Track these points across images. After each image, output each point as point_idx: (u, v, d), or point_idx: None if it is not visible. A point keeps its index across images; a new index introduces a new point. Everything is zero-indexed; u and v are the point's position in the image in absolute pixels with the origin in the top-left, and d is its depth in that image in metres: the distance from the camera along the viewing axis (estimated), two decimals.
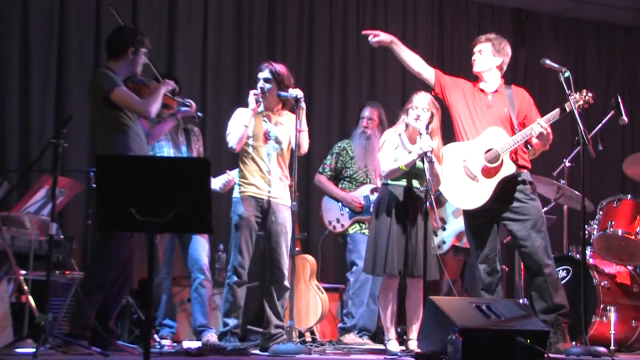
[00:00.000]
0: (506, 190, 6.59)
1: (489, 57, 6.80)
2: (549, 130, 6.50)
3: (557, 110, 6.55)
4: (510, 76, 10.44)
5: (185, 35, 9.44)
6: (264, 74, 6.72)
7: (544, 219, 6.72)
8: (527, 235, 6.59)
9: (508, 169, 6.55)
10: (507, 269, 8.56)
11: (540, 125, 6.46)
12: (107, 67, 6.24)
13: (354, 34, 10.18)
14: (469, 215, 6.81)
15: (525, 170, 6.69)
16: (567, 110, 6.54)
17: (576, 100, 6.50)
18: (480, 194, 6.60)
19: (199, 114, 6.90)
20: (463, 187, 6.67)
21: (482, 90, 6.81)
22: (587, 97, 6.54)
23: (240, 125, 6.60)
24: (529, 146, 6.73)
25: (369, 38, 6.85)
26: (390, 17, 10.36)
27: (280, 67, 6.78)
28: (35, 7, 8.79)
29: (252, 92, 6.69)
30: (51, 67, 8.82)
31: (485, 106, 6.74)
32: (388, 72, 10.27)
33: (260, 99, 6.67)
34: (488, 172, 6.58)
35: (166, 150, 7.05)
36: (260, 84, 6.71)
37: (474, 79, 6.90)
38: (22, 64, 8.71)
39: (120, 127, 6.09)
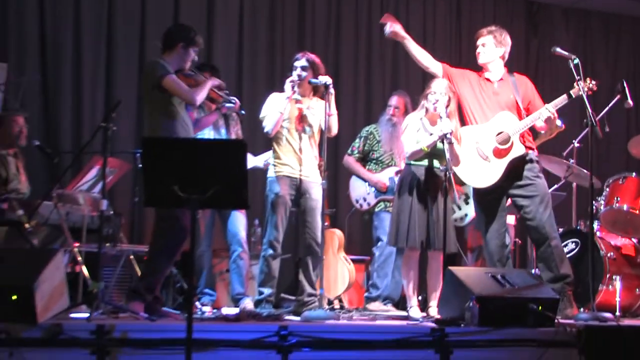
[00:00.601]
0: (515, 169, 6.61)
1: (492, 48, 6.79)
2: (556, 115, 6.49)
3: (564, 95, 6.53)
4: (523, 64, 10.47)
5: (223, 25, 9.50)
6: (301, 62, 6.74)
7: (549, 195, 6.73)
8: (535, 211, 6.59)
9: (518, 150, 6.56)
10: (520, 242, 8.55)
11: (548, 110, 6.47)
12: (161, 58, 6.22)
13: (379, 25, 10.13)
14: (479, 192, 6.82)
15: (531, 151, 6.69)
16: (573, 96, 6.52)
17: (582, 88, 6.47)
18: (491, 173, 6.62)
19: (242, 112, 6.89)
20: (476, 167, 6.68)
21: (487, 80, 6.80)
22: (590, 85, 6.52)
23: (276, 112, 6.63)
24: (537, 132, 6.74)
25: (386, 27, 6.87)
26: (412, 9, 10.35)
27: (315, 57, 6.81)
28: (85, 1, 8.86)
29: (288, 80, 6.70)
30: (100, 57, 8.90)
31: (492, 93, 6.74)
32: (410, 60, 10.21)
33: (296, 87, 6.68)
34: (499, 153, 6.60)
35: (207, 132, 7.06)
36: (298, 71, 6.72)
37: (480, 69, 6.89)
38: (74, 54, 8.80)
39: (169, 113, 6.09)
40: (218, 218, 7.23)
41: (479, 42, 6.82)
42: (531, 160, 6.65)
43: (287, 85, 6.67)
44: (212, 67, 7.20)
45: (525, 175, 6.62)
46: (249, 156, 6.94)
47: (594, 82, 6.52)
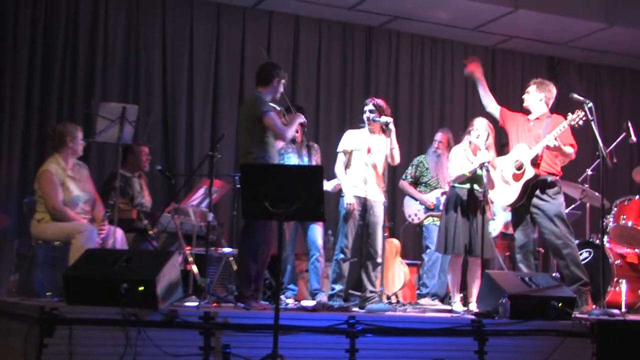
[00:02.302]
0: (534, 190, 6.59)
1: (533, 94, 6.82)
2: (556, 143, 6.42)
3: (561, 125, 6.48)
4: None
5: (304, 73, 9.56)
6: (369, 106, 6.72)
7: (562, 213, 6.65)
8: (547, 225, 6.56)
9: (529, 173, 6.54)
10: (542, 250, 8.42)
11: (549, 139, 6.44)
12: (258, 92, 6.12)
13: (429, 76, 10.15)
14: (513, 209, 6.84)
15: (552, 175, 6.62)
16: (566, 125, 6.48)
17: (573, 118, 6.44)
18: (511, 194, 6.66)
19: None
20: (501, 190, 6.71)
21: (528, 119, 6.81)
22: (581, 114, 6.43)
23: (342, 178, 6.73)
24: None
25: (466, 62, 7.06)
26: (456, 64, 10.28)
27: (380, 101, 6.80)
28: (197, 53, 9.01)
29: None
30: (208, 99, 9.03)
31: (527, 130, 6.74)
32: (453, 104, 10.23)
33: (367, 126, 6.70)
34: (516, 177, 6.62)
35: (293, 159, 7.08)
36: (367, 114, 6.69)
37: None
38: (188, 98, 8.93)
39: (265, 142, 5.99)
40: (300, 228, 7.24)
41: (526, 89, 6.89)
42: (548, 184, 6.60)
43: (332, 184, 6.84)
44: (299, 107, 7.17)
45: (540, 195, 6.60)
46: (325, 182, 6.97)
47: (582, 116, 6.43)
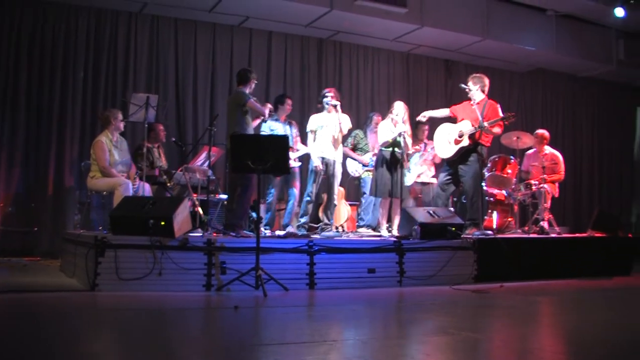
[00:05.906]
0: (466, 154, 6.50)
1: (472, 87, 6.64)
2: (487, 127, 6.33)
3: (496, 119, 6.39)
4: (443, 94, 10.36)
5: (275, 74, 9.38)
6: (328, 93, 6.68)
7: (478, 173, 6.51)
8: (466, 180, 6.51)
9: (465, 142, 6.46)
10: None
11: (484, 125, 6.31)
12: (240, 88, 6.14)
13: (363, 73, 10.05)
14: (446, 162, 6.70)
15: (483, 146, 6.51)
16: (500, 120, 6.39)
17: (506, 116, 6.35)
18: (449, 151, 6.58)
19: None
20: (444, 147, 6.63)
21: (471, 104, 6.61)
22: (509, 116, 6.39)
23: (311, 149, 6.64)
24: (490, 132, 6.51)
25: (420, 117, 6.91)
26: (382, 64, 10.21)
27: (335, 90, 6.77)
28: (199, 57, 8.82)
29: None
30: (207, 89, 8.88)
31: (470, 111, 6.55)
32: (380, 92, 10.17)
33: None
34: (456, 142, 6.53)
35: (279, 128, 6.87)
36: (327, 99, 6.62)
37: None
38: (193, 88, 8.78)
39: (243, 121, 6.01)
40: (284, 183, 7.08)
41: (467, 84, 6.69)
42: (476, 151, 6.47)
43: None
44: (284, 94, 7.05)
45: (468, 158, 6.50)
46: (302, 146, 6.99)
47: (512, 114, 6.40)
